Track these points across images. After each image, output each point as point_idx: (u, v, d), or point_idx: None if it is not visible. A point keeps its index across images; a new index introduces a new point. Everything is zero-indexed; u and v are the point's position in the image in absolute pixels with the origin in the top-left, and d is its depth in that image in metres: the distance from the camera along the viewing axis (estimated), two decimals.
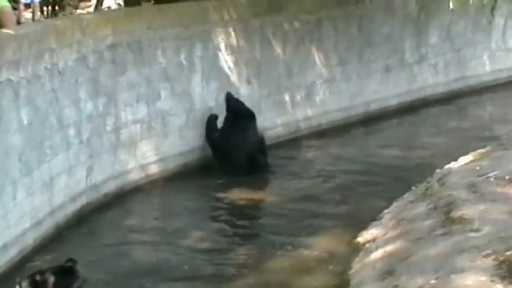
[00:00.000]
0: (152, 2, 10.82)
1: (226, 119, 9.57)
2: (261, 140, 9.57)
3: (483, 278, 4.60)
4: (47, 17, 9.79)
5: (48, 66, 7.41)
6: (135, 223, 7.88)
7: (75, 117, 7.92)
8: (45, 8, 9.97)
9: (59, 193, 7.56)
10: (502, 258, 4.79)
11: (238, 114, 9.50)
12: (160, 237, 7.50)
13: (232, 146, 9.27)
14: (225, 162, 9.35)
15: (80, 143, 8.00)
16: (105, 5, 11.39)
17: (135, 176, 8.78)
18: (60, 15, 9.77)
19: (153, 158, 9.04)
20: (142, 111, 8.94)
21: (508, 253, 4.83)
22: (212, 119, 9.52)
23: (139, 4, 10.15)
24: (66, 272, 5.93)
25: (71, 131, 7.86)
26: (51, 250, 6.99)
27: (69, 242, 7.25)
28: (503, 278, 4.55)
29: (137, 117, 8.88)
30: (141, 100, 8.93)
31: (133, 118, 8.83)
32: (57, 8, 10.00)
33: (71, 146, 7.85)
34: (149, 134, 9.03)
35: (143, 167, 8.91)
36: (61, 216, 7.56)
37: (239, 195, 8.54)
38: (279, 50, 10.71)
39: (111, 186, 8.44)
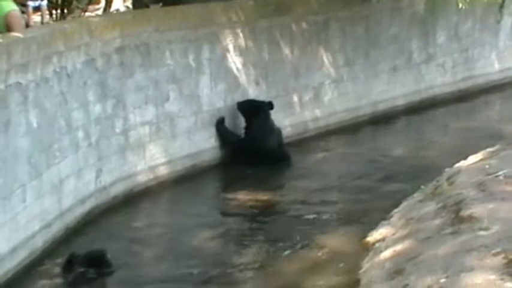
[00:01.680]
0: (160, 4, 10.85)
1: (246, 119, 9.65)
2: (279, 131, 9.75)
3: (492, 277, 4.59)
4: (56, 20, 9.83)
5: (57, 69, 7.44)
6: (143, 225, 7.90)
7: (83, 120, 7.95)
8: (53, 11, 10.01)
9: (68, 195, 7.58)
10: (511, 257, 4.77)
11: (253, 108, 9.64)
12: (168, 238, 7.51)
13: (256, 140, 9.46)
14: (252, 157, 9.42)
15: (88, 146, 8.03)
16: (113, 7, 11.43)
17: (143, 178, 8.80)
18: (68, 18, 9.82)
19: (162, 160, 9.06)
20: (150, 113, 8.97)
21: None
22: (220, 125, 9.60)
23: (147, 7, 10.19)
24: (97, 259, 6.56)
25: (80, 134, 7.88)
26: (61, 253, 7.01)
27: (78, 244, 7.27)
28: None
29: (145, 119, 8.90)
30: (149, 102, 8.95)
31: (142, 120, 8.85)
32: (65, 11, 10.03)
33: (80, 148, 7.88)
34: (157, 136, 9.05)
35: (152, 168, 8.93)
36: (70, 219, 7.58)
37: (248, 196, 8.54)
38: (286, 51, 10.72)
39: (120, 188, 8.46)
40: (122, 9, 11.35)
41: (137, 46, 8.77)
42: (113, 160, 8.43)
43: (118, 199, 8.39)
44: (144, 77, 8.88)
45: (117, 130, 8.52)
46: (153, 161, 8.96)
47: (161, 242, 7.46)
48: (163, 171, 9.05)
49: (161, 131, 9.10)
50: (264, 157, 9.45)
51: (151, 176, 8.90)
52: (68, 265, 6.62)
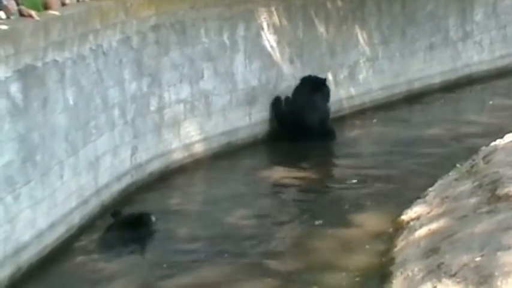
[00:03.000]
0: None
1: (295, 89, 9.83)
2: (325, 109, 9.79)
3: None
4: None
5: (93, 47, 7.50)
6: (179, 202, 7.97)
7: (119, 98, 8.01)
8: None
9: (104, 173, 7.68)
10: None
11: (306, 82, 9.80)
12: (203, 215, 7.57)
13: (299, 111, 9.58)
14: (292, 129, 9.58)
15: (124, 123, 8.10)
16: None
17: (179, 156, 8.86)
18: None
19: (197, 138, 9.11)
20: (185, 91, 9.01)
21: None
22: (276, 100, 9.83)
23: None
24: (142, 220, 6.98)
25: (116, 112, 7.95)
26: (97, 229, 7.11)
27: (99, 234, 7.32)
28: None
29: (180, 97, 8.94)
30: (184, 80, 8.99)
31: (177, 98, 8.90)
32: None
33: (116, 126, 7.95)
34: (192, 114, 9.09)
35: (187, 146, 8.99)
36: (106, 196, 7.68)
37: (283, 174, 8.56)
38: (321, 29, 10.65)
39: (155, 166, 8.54)
40: None
41: (172, 24, 8.79)
42: (149, 138, 8.50)
43: (154, 176, 8.47)
44: (179, 55, 8.90)
45: (153, 108, 8.57)
46: (188, 138, 9.01)
47: (197, 218, 7.52)
48: (198, 148, 9.10)
49: (196, 109, 9.14)
50: (304, 132, 9.50)
51: (187, 154, 8.96)
52: (112, 225, 6.93)
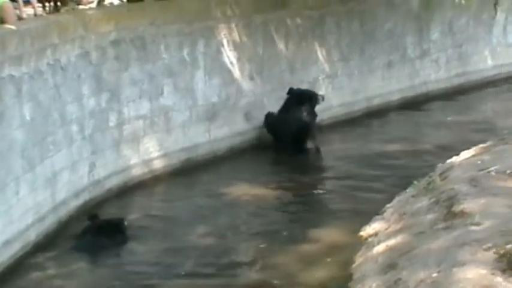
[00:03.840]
0: None
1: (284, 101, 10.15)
2: (309, 123, 9.97)
3: (484, 271, 4.61)
4: (49, 12, 9.78)
5: (51, 62, 7.44)
6: (137, 218, 7.89)
7: (77, 113, 7.94)
8: (46, 4, 9.96)
9: (61, 189, 7.58)
10: (502, 252, 4.80)
11: (292, 95, 10.08)
12: (163, 232, 7.51)
13: (279, 122, 9.91)
14: (275, 138, 9.98)
15: (82, 139, 8.03)
16: (107, 1, 11.38)
17: (138, 172, 8.80)
18: (62, 10, 9.77)
19: (156, 154, 9.07)
20: (145, 106, 8.97)
21: (509, 246, 4.84)
22: (269, 115, 10.11)
23: (142, 0, 10.16)
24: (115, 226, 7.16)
25: (74, 127, 7.88)
26: (54, 246, 7.01)
27: (72, 238, 7.26)
28: (503, 271, 4.56)
29: (140, 113, 8.90)
30: (144, 96, 8.95)
31: (136, 114, 8.85)
32: (59, 3, 9.98)
33: (74, 141, 7.88)
34: (152, 130, 9.05)
35: (146, 162, 8.94)
36: (64, 212, 7.58)
37: (243, 190, 8.56)
38: (281, 46, 10.72)
39: (114, 182, 8.46)
40: (116, 2, 11.30)
41: (132, 40, 8.76)
42: (107, 154, 8.43)
43: (112, 192, 8.39)
44: (139, 71, 8.87)
45: (111, 124, 8.52)
46: (147, 154, 8.96)
47: (156, 235, 7.46)
48: (157, 165, 9.06)
49: (156, 124, 9.11)
50: (284, 145, 9.84)
51: (146, 170, 8.91)
52: (85, 230, 7.08)
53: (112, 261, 6.89)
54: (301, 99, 10.10)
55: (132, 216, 7.86)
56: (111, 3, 11.14)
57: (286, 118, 9.89)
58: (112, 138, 8.52)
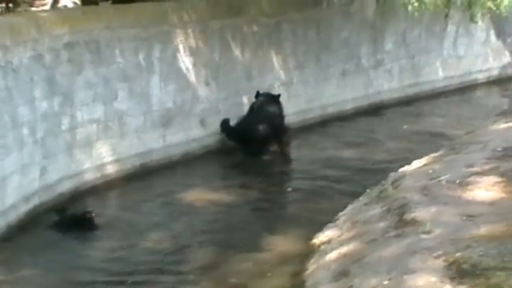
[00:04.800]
0: (110, 1, 10.72)
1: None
2: (277, 126, 9.95)
3: (433, 279, 4.68)
4: (1, 13, 9.61)
5: (2, 64, 7.31)
6: None
7: (29, 116, 7.82)
8: None
9: (11, 193, 7.44)
10: (451, 260, 4.88)
11: (257, 98, 10.07)
12: (115, 238, 7.43)
13: (244, 127, 9.88)
14: (240, 144, 9.91)
15: (34, 143, 7.89)
16: (61, 3, 11.23)
17: (90, 177, 8.70)
18: (14, 12, 9.61)
19: (110, 159, 8.97)
20: (99, 111, 8.87)
21: (458, 254, 4.93)
22: (225, 121, 10.06)
23: (96, 4, 10.05)
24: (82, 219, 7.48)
25: (25, 130, 7.75)
26: (2, 250, 6.87)
27: (21, 243, 7.13)
28: (452, 279, 4.64)
29: (94, 117, 8.80)
30: (98, 100, 8.86)
31: (90, 118, 8.75)
32: (11, 5, 9.81)
33: (25, 145, 7.74)
34: (106, 135, 8.96)
35: (99, 167, 8.83)
36: (13, 217, 7.44)
37: (198, 196, 8.53)
38: (238, 52, 10.73)
39: (66, 187, 8.35)
40: (70, 5, 11.16)
41: (87, 43, 8.67)
42: (59, 158, 8.31)
43: (64, 197, 8.27)
44: (93, 75, 8.78)
45: (64, 128, 8.40)
46: (100, 159, 8.86)
47: (108, 241, 7.37)
48: (111, 169, 8.96)
49: (110, 129, 9.01)
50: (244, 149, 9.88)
51: (99, 175, 8.81)
52: (57, 222, 7.34)
53: (61, 266, 6.77)
54: (269, 102, 10.08)
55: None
56: (65, 6, 11.00)
57: (253, 122, 9.87)
58: (64, 142, 8.40)
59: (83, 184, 8.59)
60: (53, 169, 8.17)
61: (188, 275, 6.55)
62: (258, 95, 10.29)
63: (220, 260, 6.78)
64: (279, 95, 10.43)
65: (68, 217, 7.54)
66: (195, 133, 10.06)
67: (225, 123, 10.14)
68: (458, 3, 11.50)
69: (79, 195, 8.44)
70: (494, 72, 15.17)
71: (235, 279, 6.41)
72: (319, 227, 7.08)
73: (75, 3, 11.13)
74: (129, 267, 6.71)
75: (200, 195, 8.56)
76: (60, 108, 8.33)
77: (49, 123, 8.15)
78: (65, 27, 8.34)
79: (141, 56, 9.37)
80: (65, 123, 8.41)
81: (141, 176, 9.10)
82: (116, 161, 9.04)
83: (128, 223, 7.77)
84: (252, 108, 10.24)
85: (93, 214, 7.52)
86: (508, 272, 4.54)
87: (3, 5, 9.88)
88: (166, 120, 9.73)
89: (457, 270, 4.72)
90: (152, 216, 8.03)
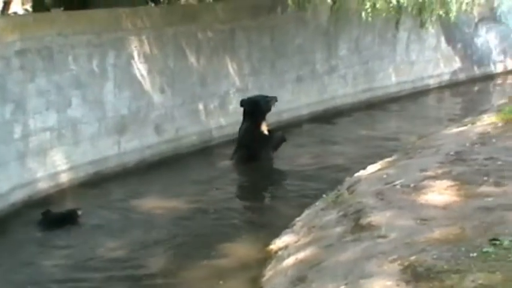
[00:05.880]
0: (62, 8, 10.61)
1: None
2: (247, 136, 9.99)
3: (389, 283, 4.73)
4: None
5: None
6: (42, 234, 7.67)
7: None
8: None
9: None
10: (407, 263, 4.93)
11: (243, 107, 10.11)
12: (70, 246, 7.33)
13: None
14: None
15: None
16: (11, 10, 11.07)
17: (44, 185, 8.57)
18: None
19: (64, 167, 8.86)
20: (52, 118, 8.75)
21: (413, 258, 4.98)
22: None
23: (48, 10, 9.94)
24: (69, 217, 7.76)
25: None
26: None
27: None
28: (407, 282, 4.69)
29: (47, 125, 8.68)
30: (51, 107, 8.74)
31: (43, 126, 8.63)
32: None
33: None
34: (59, 142, 8.84)
35: (53, 175, 8.71)
36: None
37: (153, 203, 8.47)
38: (192, 59, 10.71)
39: (18, 196, 8.20)
40: (21, 12, 11.00)
41: (39, 50, 8.55)
42: (11, 166, 8.17)
43: (16, 206, 8.13)
44: (46, 82, 8.66)
45: (16, 136, 8.26)
46: (54, 167, 8.74)
47: (62, 250, 7.26)
48: (65, 178, 8.85)
49: (63, 137, 8.90)
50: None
51: (52, 183, 8.68)
52: (42, 221, 7.53)
53: (18, 277, 6.65)
54: (252, 112, 10.03)
55: (37, 233, 7.64)
56: (16, 13, 10.84)
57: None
58: (16, 150, 8.26)
59: (37, 193, 8.46)
60: (5, 178, 8.02)
61: (143, 283, 6.49)
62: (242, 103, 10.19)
63: (176, 268, 6.74)
64: (263, 99, 10.26)
65: (53, 216, 7.73)
66: (150, 140, 10.00)
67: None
68: (409, 9, 11.71)
69: (32, 204, 8.29)
70: (445, 78, 15.49)
71: (195, 286, 6.38)
72: (276, 233, 7.09)
73: (26, 9, 10.98)
74: (85, 274, 6.62)
75: (156, 202, 8.50)
76: (12, 116, 8.19)
77: (0, 131, 8.00)
78: (16, 34, 8.22)
79: (94, 63, 9.29)
80: (17, 131, 8.27)
81: (96, 184, 9.00)
82: (70, 169, 8.92)
83: (81, 231, 7.67)
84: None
85: (79, 212, 7.79)
86: (461, 274, 4.61)
87: None
88: (121, 127, 9.65)
89: (412, 274, 4.78)
90: (106, 223, 7.94)
